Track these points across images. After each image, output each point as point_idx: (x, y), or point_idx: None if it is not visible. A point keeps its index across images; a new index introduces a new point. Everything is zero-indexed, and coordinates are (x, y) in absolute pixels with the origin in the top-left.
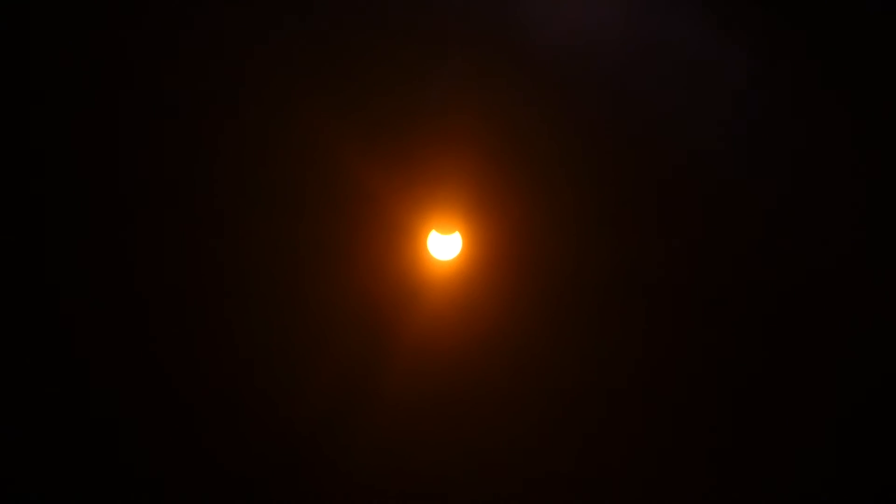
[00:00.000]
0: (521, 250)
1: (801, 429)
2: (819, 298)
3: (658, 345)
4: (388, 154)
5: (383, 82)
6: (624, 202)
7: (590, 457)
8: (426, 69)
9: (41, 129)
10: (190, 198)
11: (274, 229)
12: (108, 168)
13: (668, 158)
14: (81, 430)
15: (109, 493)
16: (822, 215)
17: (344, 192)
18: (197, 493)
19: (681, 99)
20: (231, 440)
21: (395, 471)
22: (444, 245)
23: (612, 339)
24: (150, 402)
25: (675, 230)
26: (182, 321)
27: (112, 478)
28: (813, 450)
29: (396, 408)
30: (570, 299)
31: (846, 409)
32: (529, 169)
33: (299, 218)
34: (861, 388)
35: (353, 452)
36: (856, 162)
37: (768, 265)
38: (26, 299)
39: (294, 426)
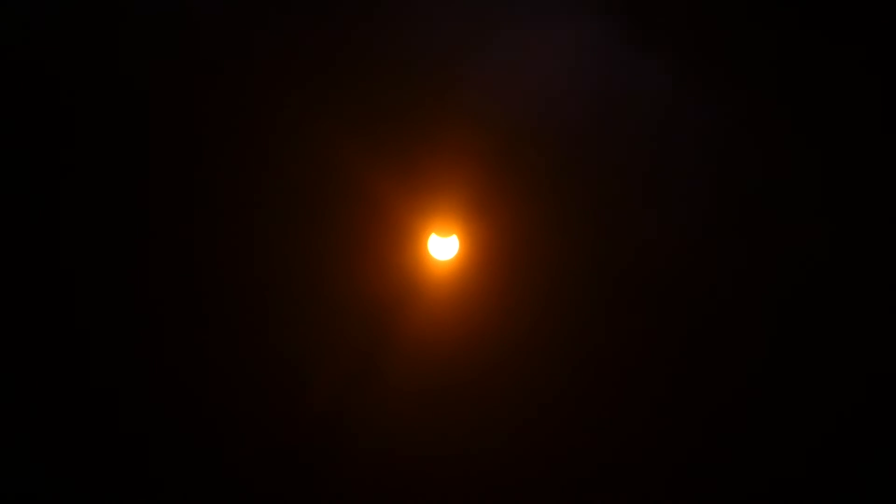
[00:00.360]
0: (513, 250)
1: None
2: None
3: (648, 339)
4: (393, 168)
5: (393, 103)
6: (608, 204)
7: (583, 446)
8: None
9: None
10: (208, 205)
11: (290, 234)
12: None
13: (650, 159)
14: (102, 427)
15: (128, 492)
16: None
17: (354, 201)
18: (209, 483)
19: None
20: (244, 428)
21: (397, 454)
22: (442, 247)
23: (604, 332)
24: (168, 395)
25: (660, 229)
26: (197, 321)
27: (129, 475)
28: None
29: (401, 393)
30: (559, 295)
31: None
32: (519, 179)
33: (312, 225)
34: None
35: (359, 437)
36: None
37: (762, 262)
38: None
39: (304, 416)
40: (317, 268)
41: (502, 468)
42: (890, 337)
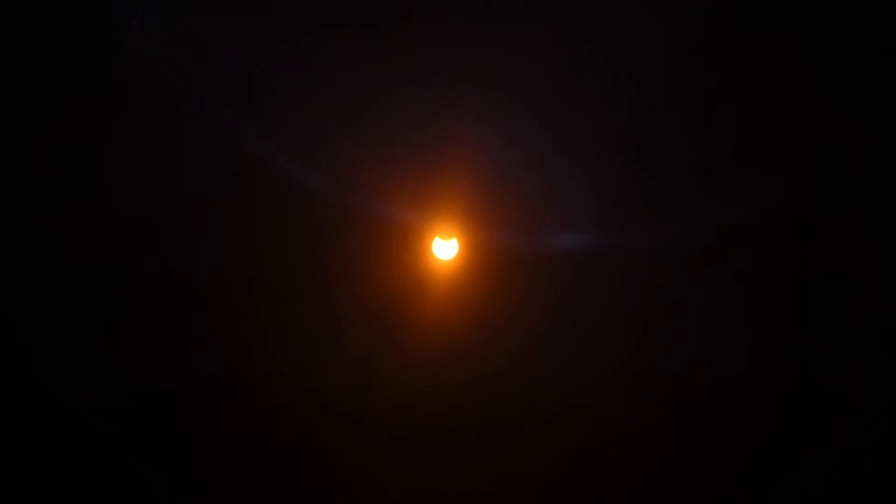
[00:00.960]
0: (509, 251)
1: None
2: None
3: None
4: (399, 179)
5: (397, 117)
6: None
7: (586, 441)
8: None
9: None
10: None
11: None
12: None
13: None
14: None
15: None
16: None
17: (362, 207)
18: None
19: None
20: (253, 424)
21: (402, 442)
22: (445, 248)
23: (597, 324)
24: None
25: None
26: (207, 317)
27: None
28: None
29: (408, 380)
30: (553, 291)
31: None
32: (516, 185)
33: (321, 229)
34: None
35: (367, 424)
36: None
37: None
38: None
39: (313, 406)
40: (329, 268)
41: (499, 444)
42: None
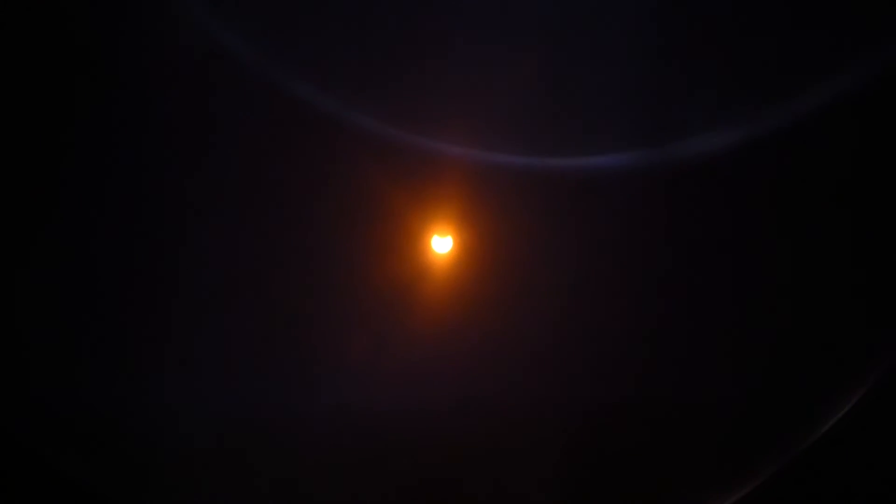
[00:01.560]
0: (498, 246)
1: None
2: None
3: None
4: (399, 180)
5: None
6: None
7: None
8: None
9: None
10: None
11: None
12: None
13: None
14: None
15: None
16: None
17: (366, 207)
18: None
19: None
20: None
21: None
22: (441, 243)
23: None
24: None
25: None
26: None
27: None
28: None
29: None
30: (546, 288)
31: None
32: (511, 186)
33: (328, 224)
34: None
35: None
36: None
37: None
38: None
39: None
40: (333, 262)
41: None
42: None
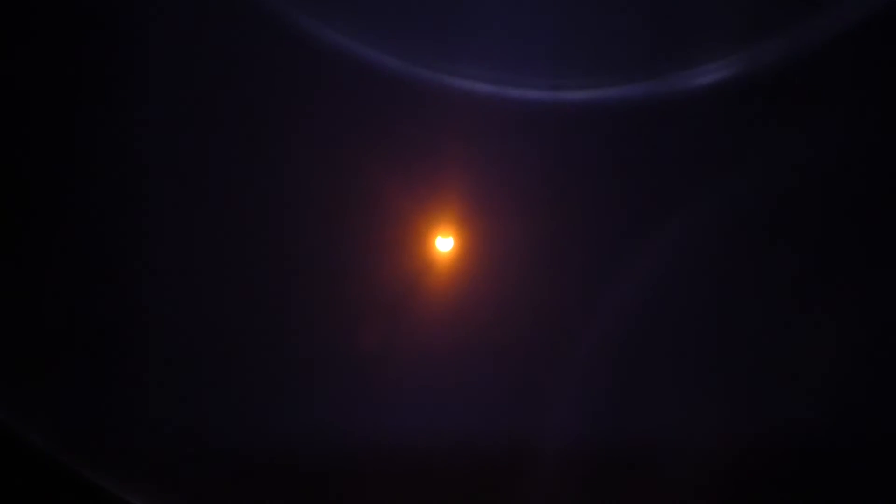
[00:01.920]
0: (498, 246)
1: None
2: None
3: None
4: (403, 184)
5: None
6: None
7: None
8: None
9: None
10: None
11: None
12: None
13: None
14: None
15: None
16: None
17: (373, 210)
18: None
19: None
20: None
21: None
22: (444, 244)
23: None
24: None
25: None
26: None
27: None
28: None
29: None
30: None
31: None
32: (510, 189)
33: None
34: None
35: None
36: None
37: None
38: None
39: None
40: (343, 261)
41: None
42: None
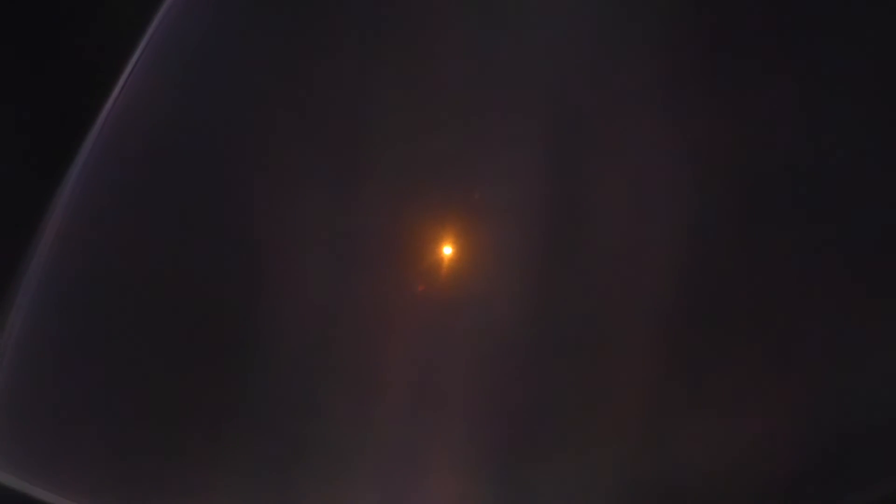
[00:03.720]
0: (496, 250)
1: None
2: None
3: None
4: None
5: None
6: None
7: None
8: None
9: None
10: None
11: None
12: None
13: None
14: None
15: None
16: None
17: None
18: None
19: None
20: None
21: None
22: (447, 250)
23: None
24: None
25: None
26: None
27: None
28: None
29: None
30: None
31: None
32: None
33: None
34: None
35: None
36: None
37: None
38: None
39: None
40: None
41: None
42: None
